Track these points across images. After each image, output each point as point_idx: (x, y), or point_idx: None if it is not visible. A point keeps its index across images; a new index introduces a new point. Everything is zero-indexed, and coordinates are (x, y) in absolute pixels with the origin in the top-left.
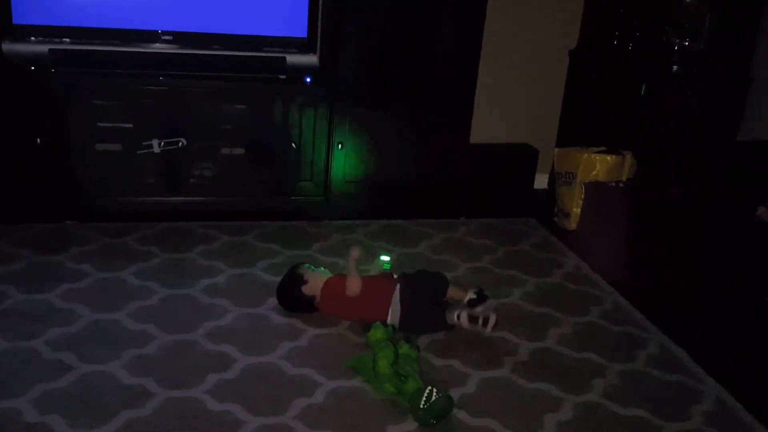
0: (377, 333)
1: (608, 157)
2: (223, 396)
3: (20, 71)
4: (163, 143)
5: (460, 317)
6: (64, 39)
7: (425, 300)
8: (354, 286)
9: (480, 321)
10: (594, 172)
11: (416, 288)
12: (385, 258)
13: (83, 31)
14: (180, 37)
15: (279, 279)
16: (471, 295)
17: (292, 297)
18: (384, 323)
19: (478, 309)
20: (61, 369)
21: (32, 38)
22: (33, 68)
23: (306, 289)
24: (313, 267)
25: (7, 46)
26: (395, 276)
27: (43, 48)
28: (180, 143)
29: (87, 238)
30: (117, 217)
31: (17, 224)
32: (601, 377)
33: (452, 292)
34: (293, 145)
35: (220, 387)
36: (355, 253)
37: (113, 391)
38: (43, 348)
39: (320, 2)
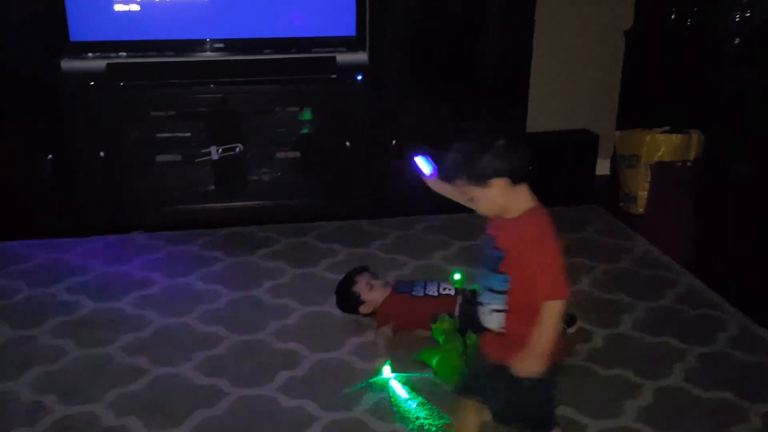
0: (444, 324)
1: (673, 137)
2: (293, 393)
3: (80, 87)
4: (221, 150)
5: None
6: (120, 53)
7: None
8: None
9: None
10: (659, 153)
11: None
12: (457, 277)
13: (138, 44)
14: (231, 44)
15: (341, 277)
16: None
17: (351, 312)
18: (451, 314)
19: None
20: (136, 373)
21: (89, 54)
22: (92, 83)
23: (363, 309)
24: (369, 271)
25: (66, 63)
26: (461, 295)
27: (101, 63)
28: (237, 149)
29: (153, 247)
30: (180, 225)
31: (86, 237)
32: (681, 361)
33: None
34: (347, 144)
35: (290, 384)
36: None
37: (186, 392)
38: (117, 353)
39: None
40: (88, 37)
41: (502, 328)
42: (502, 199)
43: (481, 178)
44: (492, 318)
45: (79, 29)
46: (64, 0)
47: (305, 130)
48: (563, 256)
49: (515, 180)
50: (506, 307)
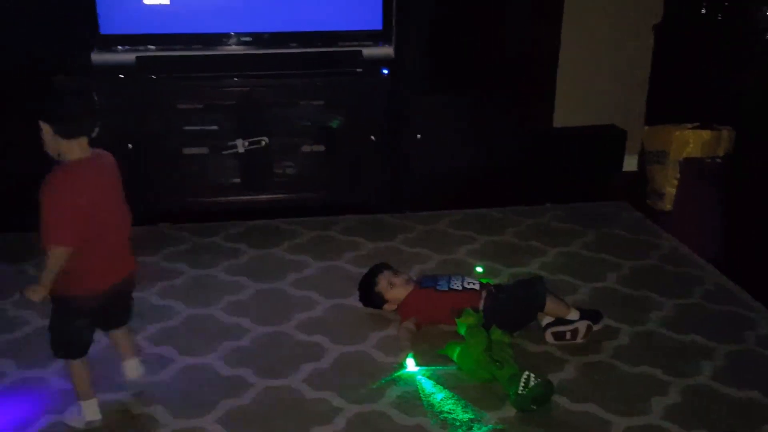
0: (468, 319)
1: (703, 133)
2: (318, 384)
3: (109, 79)
4: (247, 143)
5: (545, 336)
6: (149, 46)
7: (510, 316)
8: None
9: (568, 335)
10: (688, 149)
11: (502, 309)
12: (479, 270)
13: (166, 37)
14: (258, 38)
15: (365, 270)
16: (573, 315)
17: (373, 307)
18: (475, 309)
19: (567, 327)
20: (163, 362)
21: (119, 47)
22: (121, 76)
23: (388, 307)
24: (390, 268)
25: (96, 56)
26: (485, 290)
27: (130, 56)
28: (263, 142)
29: (179, 239)
30: (205, 217)
31: None
32: (709, 359)
33: (551, 308)
34: (372, 138)
35: (314, 376)
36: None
37: (212, 382)
38: (145, 343)
39: None
40: (118, 31)
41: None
42: (52, 144)
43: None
44: None
45: (109, 22)
46: None
47: (334, 124)
48: (58, 210)
49: (60, 130)
50: None
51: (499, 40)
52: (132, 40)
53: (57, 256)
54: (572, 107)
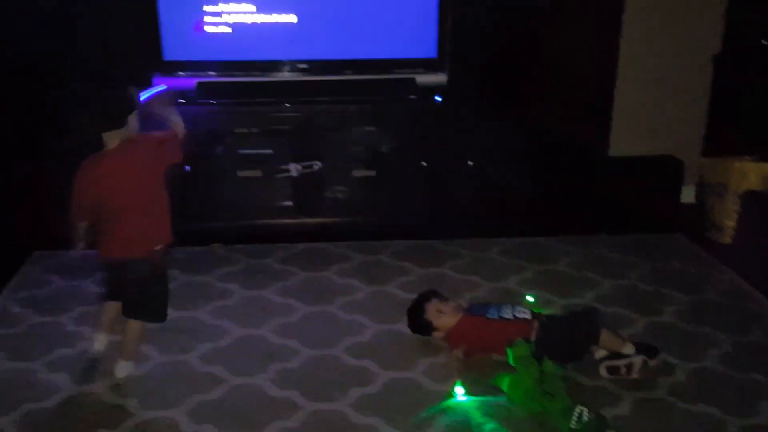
0: (520, 350)
1: (764, 165)
2: (366, 410)
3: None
4: (300, 167)
5: (599, 370)
6: (209, 72)
7: (563, 348)
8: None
9: (623, 370)
10: (748, 182)
11: (555, 340)
12: (530, 299)
13: (226, 64)
14: (314, 65)
15: (414, 296)
16: (628, 349)
17: (421, 334)
18: (527, 340)
19: (622, 361)
20: (213, 381)
21: (181, 73)
22: (181, 101)
23: (437, 335)
24: (438, 296)
25: (158, 81)
26: (538, 321)
27: (191, 81)
28: (315, 166)
29: (231, 260)
30: (257, 239)
31: (177, 248)
32: None
33: (605, 341)
34: (423, 163)
35: (362, 401)
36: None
37: (261, 403)
38: (196, 362)
39: (449, 21)
40: (180, 57)
41: None
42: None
43: None
44: None
45: (172, 49)
46: (158, 21)
47: (382, 150)
48: (75, 194)
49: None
50: None
51: (554, 68)
52: (193, 66)
53: (77, 227)
54: (629, 136)
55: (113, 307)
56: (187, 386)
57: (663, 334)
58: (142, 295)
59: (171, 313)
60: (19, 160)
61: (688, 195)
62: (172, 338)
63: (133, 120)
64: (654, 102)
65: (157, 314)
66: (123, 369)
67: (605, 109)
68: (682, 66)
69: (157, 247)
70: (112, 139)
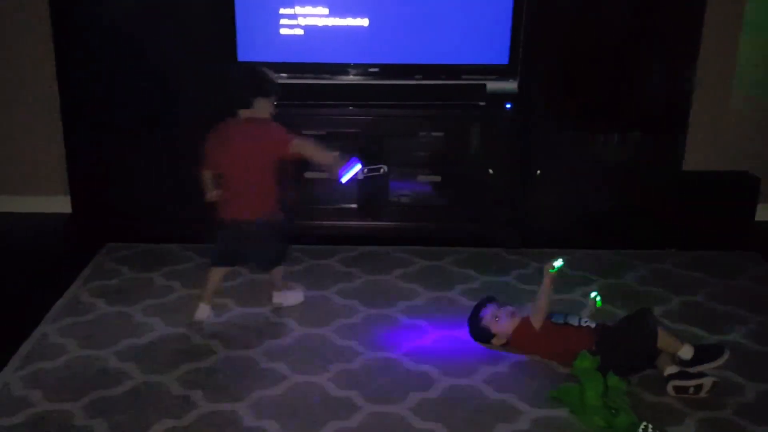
0: (584, 362)
1: None
2: (425, 415)
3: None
4: (366, 170)
5: (667, 387)
6: (282, 74)
7: (623, 353)
8: (537, 321)
9: (691, 390)
10: None
11: (615, 343)
12: (593, 295)
13: (298, 66)
14: (385, 69)
15: (475, 303)
16: (685, 354)
17: (481, 341)
18: (592, 352)
19: (691, 382)
20: (276, 378)
21: None
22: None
23: (496, 341)
24: (495, 301)
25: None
26: (595, 326)
27: None
28: (381, 170)
29: (297, 259)
30: (322, 240)
31: None
32: None
33: (663, 341)
34: (490, 171)
35: (422, 406)
36: (548, 281)
37: (322, 401)
38: (260, 358)
39: (522, 28)
40: (254, 58)
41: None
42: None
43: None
44: None
45: (246, 50)
46: (234, 23)
47: (449, 156)
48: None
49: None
50: None
51: (629, 79)
52: (267, 67)
53: (204, 175)
54: (704, 151)
55: (219, 273)
56: (251, 381)
57: (731, 353)
58: (260, 247)
59: (236, 308)
60: (95, 154)
61: (763, 213)
62: (237, 334)
63: (262, 103)
64: (731, 117)
65: (277, 260)
66: (288, 298)
67: (681, 124)
68: (760, 81)
69: (262, 216)
70: (243, 115)
